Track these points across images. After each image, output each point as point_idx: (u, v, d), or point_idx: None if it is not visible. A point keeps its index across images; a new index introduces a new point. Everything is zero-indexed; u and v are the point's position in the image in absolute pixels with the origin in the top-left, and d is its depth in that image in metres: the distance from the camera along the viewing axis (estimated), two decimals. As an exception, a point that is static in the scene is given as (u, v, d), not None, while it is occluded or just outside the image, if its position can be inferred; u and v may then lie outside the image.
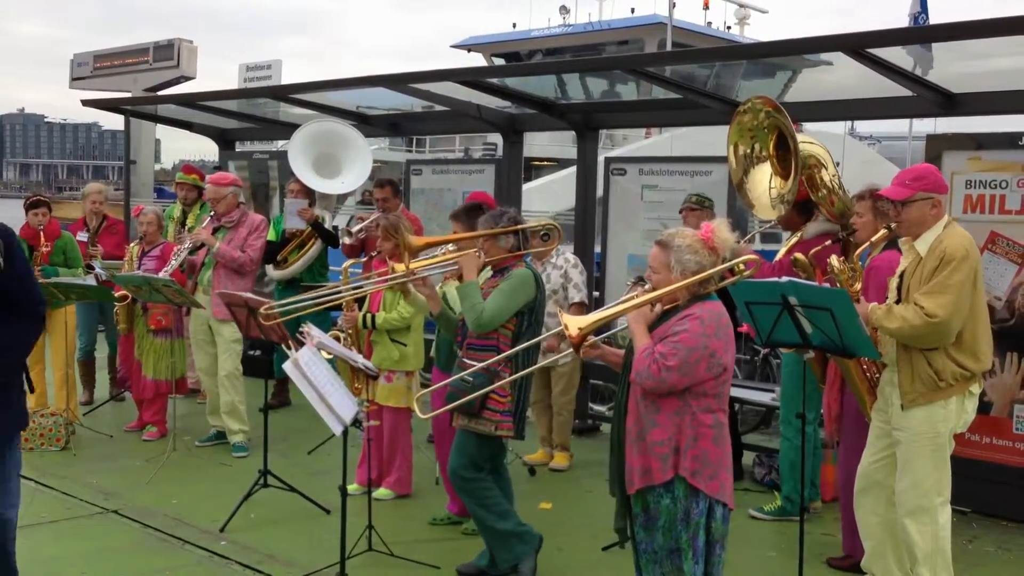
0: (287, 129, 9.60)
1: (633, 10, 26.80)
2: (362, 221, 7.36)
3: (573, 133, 8.34)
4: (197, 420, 7.64)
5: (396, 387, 5.89)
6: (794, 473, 5.57)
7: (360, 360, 5.11)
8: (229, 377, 7.11)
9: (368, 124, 9.52)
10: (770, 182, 5.29)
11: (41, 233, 7.45)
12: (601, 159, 8.23)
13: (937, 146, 5.93)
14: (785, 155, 5.14)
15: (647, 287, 3.71)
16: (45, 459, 6.79)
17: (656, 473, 3.51)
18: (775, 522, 5.74)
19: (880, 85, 6.09)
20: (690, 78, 7.58)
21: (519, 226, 4.85)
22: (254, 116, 10.41)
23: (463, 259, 4.74)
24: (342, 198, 13.69)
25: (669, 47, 22.74)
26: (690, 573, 3.50)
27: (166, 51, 17.94)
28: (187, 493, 6.16)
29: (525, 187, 10.78)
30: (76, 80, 19.45)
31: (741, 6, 28.51)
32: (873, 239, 4.56)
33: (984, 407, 5.38)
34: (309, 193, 7.92)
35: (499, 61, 26.11)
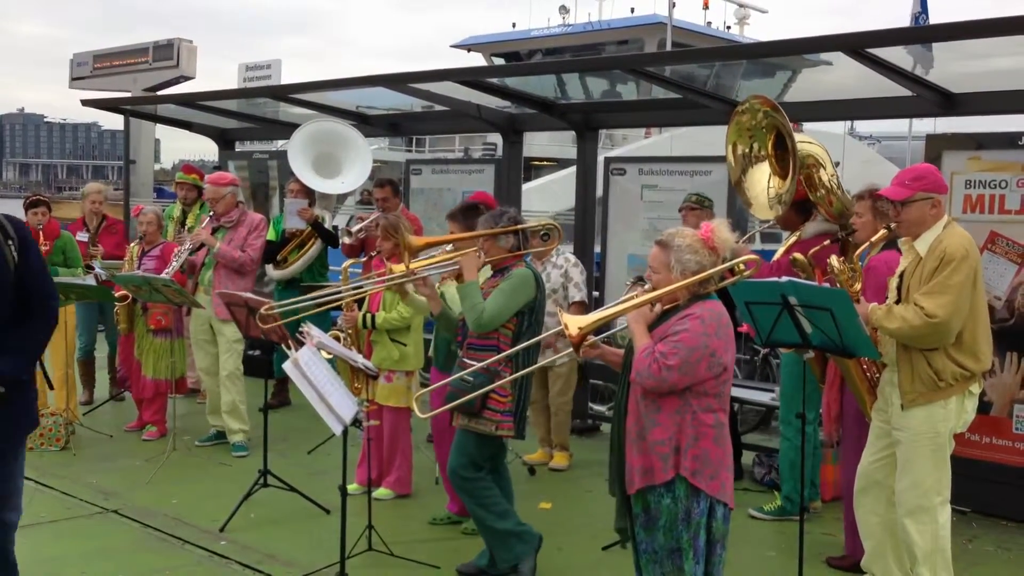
0: (287, 129, 9.60)
1: (633, 10, 26.81)
2: (362, 221, 7.36)
3: (573, 133, 8.34)
4: (197, 420, 7.64)
5: (396, 387, 5.89)
6: (794, 473, 5.57)
7: (360, 360, 5.12)
8: (230, 377, 7.11)
9: (368, 124, 9.52)
10: (768, 182, 5.29)
11: (40, 233, 7.45)
12: (601, 159, 8.24)
13: (937, 146, 5.93)
14: (783, 155, 5.15)
15: (647, 287, 3.71)
16: (45, 459, 6.79)
17: (657, 473, 3.51)
18: (775, 522, 5.74)
19: (880, 85, 6.09)
20: (690, 78, 7.58)
21: (519, 226, 4.85)
22: (254, 116, 10.41)
23: (463, 259, 4.74)
24: (342, 198, 13.68)
25: (669, 47, 22.73)
26: (691, 573, 3.50)
27: (166, 51, 17.92)
28: (187, 493, 6.16)
29: (525, 187, 10.78)
30: (76, 80, 19.44)
31: (741, 6, 28.51)
32: (873, 239, 4.56)
33: (984, 407, 5.38)
34: (309, 193, 7.92)
35: (499, 61, 26.11)
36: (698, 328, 3.46)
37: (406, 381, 5.93)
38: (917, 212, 4.25)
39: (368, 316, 5.82)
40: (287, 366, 4.69)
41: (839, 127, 22.76)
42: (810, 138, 5.41)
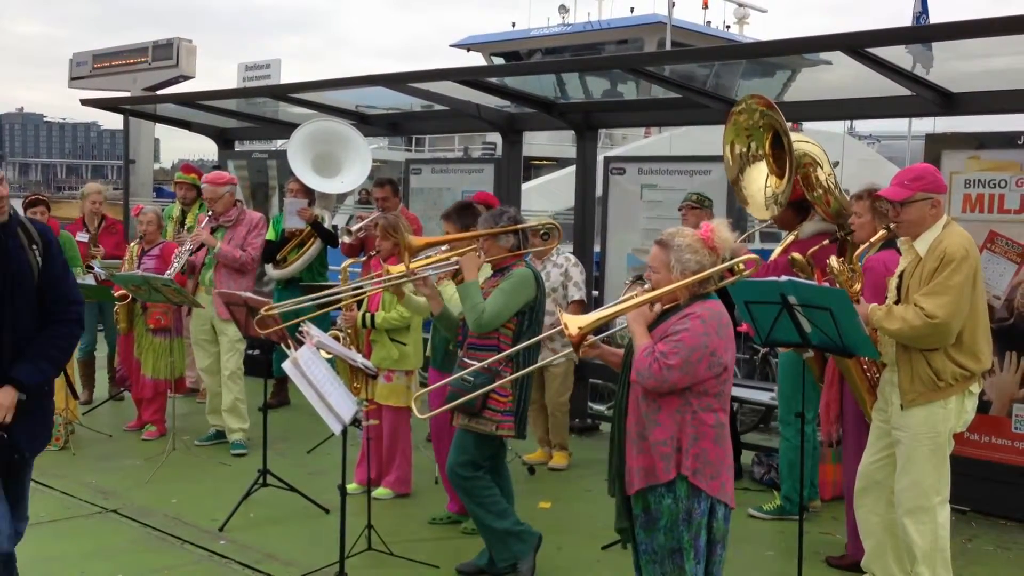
0: (286, 128, 9.60)
1: (632, 9, 26.85)
2: (362, 220, 7.36)
3: (572, 132, 8.34)
4: (196, 419, 7.64)
5: (395, 386, 5.89)
6: (793, 473, 5.57)
7: (359, 359, 5.12)
8: (232, 376, 7.12)
9: (367, 123, 9.52)
10: (765, 181, 5.29)
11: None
12: (600, 158, 8.23)
13: (936, 145, 5.93)
14: (780, 154, 5.14)
15: (646, 286, 3.70)
16: (44, 459, 6.69)
17: (660, 473, 3.51)
18: (774, 521, 5.74)
19: (879, 84, 6.09)
20: (689, 77, 7.57)
21: (519, 225, 4.85)
22: (253, 115, 10.41)
23: (463, 259, 4.74)
24: (341, 197, 13.69)
25: (668, 46, 22.75)
26: (691, 573, 3.50)
27: (165, 50, 17.92)
28: (186, 492, 6.16)
29: (524, 186, 10.77)
30: (75, 79, 19.43)
31: (740, 5, 28.55)
32: (872, 239, 4.56)
33: (983, 406, 5.38)
34: (308, 192, 7.92)
35: (498, 60, 26.13)
36: (698, 328, 3.46)
37: (406, 380, 5.93)
38: (916, 212, 4.25)
39: (367, 316, 5.82)
40: (286, 365, 4.69)
41: (839, 127, 22.79)
42: (807, 137, 5.41)
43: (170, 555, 5.17)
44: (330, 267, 8.34)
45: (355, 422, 4.54)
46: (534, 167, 23.37)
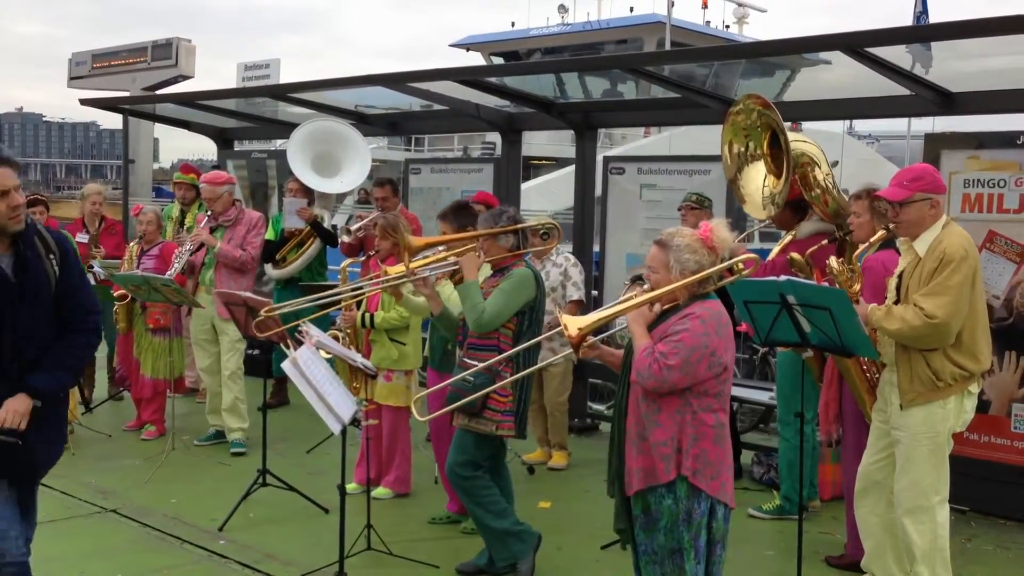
0: (286, 128, 9.60)
1: (632, 9, 26.87)
2: (361, 220, 7.36)
3: (572, 132, 8.34)
4: (196, 419, 7.64)
5: (395, 386, 5.89)
6: (792, 472, 5.57)
7: (359, 359, 5.12)
8: (232, 376, 7.13)
9: (367, 123, 9.52)
10: (763, 181, 5.29)
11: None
12: (600, 158, 8.23)
13: (936, 145, 5.93)
14: (778, 154, 5.14)
15: (645, 287, 3.70)
16: (44, 458, 6.78)
17: (660, 473, 3.51)
18: (774, 521, 5.74)
19: (878, 84, 6.09)
20: (689, 77, 7.58)
21: (519, 225, 4.85)
22: (253, 115, 10.41)
23: (463, 259, 4.74)
24: (340, 197, 13.69)
25: (668, 46, 22.76)
26: (692, 573, 3.50)
27: (164, 50, 17.92)
28: (186, 492, 6.16)
29: (524, 186, 10.78)
30: (74, 79, 19.42)
31: (740, 5, 28.56)
32: (871, 239, 4.56)
33: (983, 406, 5.38)
34: (308, 192, 7.92)
35: (498, 60, 26.14)
36: (698, 328, 3.46)
37: (405, 380, 5.93)
38: (916, 212, 4.25)
39: (367, 315, 5.82)
40: (286, 365, 4.69)
41: (838, 126, 22.79)
42: (805, 137, 5.42)
43: (170, 555, 5.17)
44: (329, 267, 8.33)
45: (354, 422, 4.55)
46: (533, 167, 23.38)
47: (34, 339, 3.47)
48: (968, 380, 4.25)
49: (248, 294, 6.19)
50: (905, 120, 24.18)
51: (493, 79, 8.07)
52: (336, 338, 5.62)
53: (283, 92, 9.33)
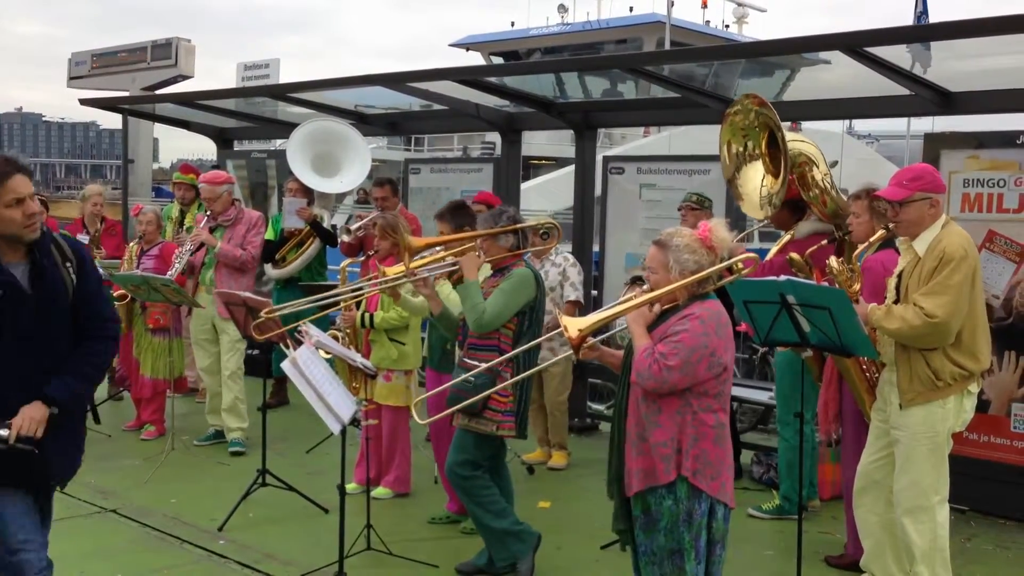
0: (285, 128, 9.59)
1: (631, 9, 26.88)
2: (361, 220, 7.36)
3: (571, 132, 8.34)
4: (196, 419, 7.64)
5: (395, 386, 5.89)
6: (792, 472, 5.57)
7: (359, 359, 5.11)
8: (232, 376, 7.13)
9: (366, 123, 9.52)
10: (762, 180, 5.29)
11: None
12: (599, 158, 8.23)
13: (935, 145, 5.93)
14: (776, 153, 5.14)
15: (645, 287, 3.70)
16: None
17: (660, 474, 3.50)
18: (773, 521, 5.74)
19: (878, 84, 6.10)
20: (688, 77, 7.58)
21: (519, 225, 4.85)
22: (252, 115, 10.41)
23: (463, 259, 4.73)
24: (340, 197, 13.68)
25: (667, 46, 22.77)
26: (692, 573, 3.49)
27: (164, 50, 17.91)
28: (185, 492, 6.16)
29: (523, 186, 10.78)
30: (74, 79, 19.42)
31: (739, 4, 28.57)
32: (871, 239, 4.56)
33: (982, 406, 5.38)
34: (308, 192, 7.92)
35: (497, 60, 26.14)
36: (698, 328, 3.46)
37: (405, 380, 5.93)
38: (915, 212, 4.25)
39: (366, 315, 5.82)
40: (285, 365, 4.69)
41: (837, 126, 22.80)
42: (803, 137, 5.42)
43: (169, 555, 5.17)
44: (329, 267, 8.34)
45: (354, 422, 4.55)
46: (533, 167, 23.39)
47: (52, 349, 3.42)
48: (968, 380, 4.25)
49: (248, 294, 6.19)
50: (905, 120, 24.20)
51: (493, 79, 8.07)
52: (336, 338, 5.62)
53: (283, 92, 9.33)
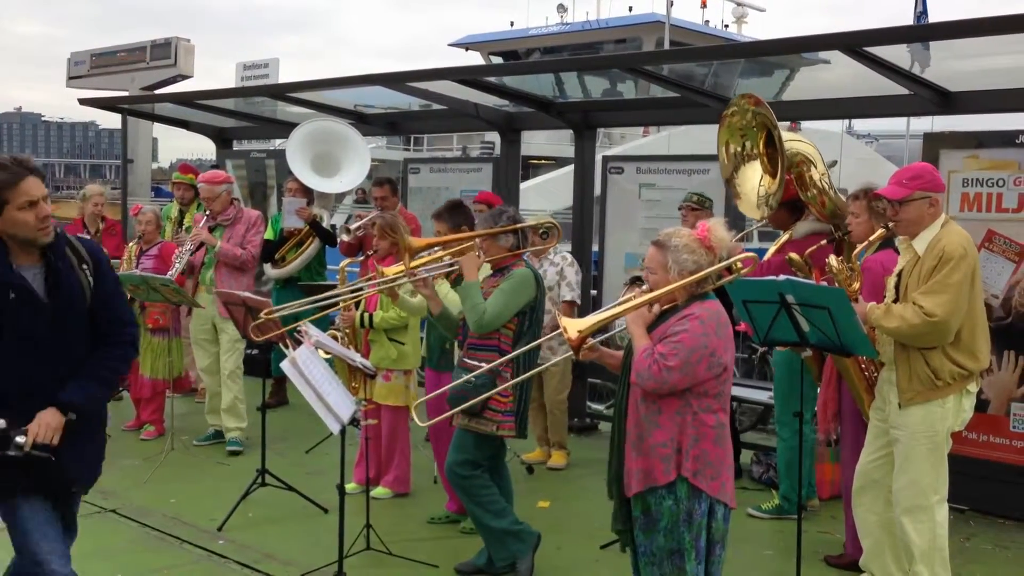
0: (285, 128, 9.59)
1: (631, 8, 26.89)
2: (360, 219, 7.36)
3: (571, 132, 8.34)
4: (195, 419, 7.64)
5: (394, 386, 5.89)
6: (791, 472, 5.57)
7: (358, 359, 5.11)
8: (232, 375, 7.13)
9: (366, 123, 9.52)
10: (760, 180, 5.29)
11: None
12: (599, 158, 8.23)
13: (934, 144, 5.93)
14: (774, 153, 5.14)
15: (644, 287, 3.70)
16: (43, 458, 6.78)
17: (659, 475, 3.50)
18: (773, 521, 5.74)
19: (877, 83, 6.10)
20: (688, 77, 7.58)
21: (518, 225, 4.85)
22: (252, 115, 10.40)
23: (463, 259, 4.73)
24: (339, 197, 13.68)
25: (667, 45, 22.77)
26: (692, 574, 3.49)
27: (163, 50, 17.90)
28: (185, 492, 6.16)
29: (523, 186, 10.78)
30: (73, 79, 19.41)
31: (739, 4, 28.58)
32: (871, 238, 4.56)
33: (981, 405, 5.38)
34: (307, 192, 7.91)
35: (497, 59, 26.14)
36: (697, 328, 3.46)
37: (404, 380, 5.93)
38: (915, 211, 4.25)
39: (365, 315, 5.82)
40: (285, 365, 4.69)
41: (837, 126, 22.80)
42: (800, 137, 5.41)
43: (169, 555, 5.17)
44: (328, 266, 8.33)
45: (354, 422, 4.55)
46: (532, 166, 23.38)
47: (69, 354, 3.36)
48: (967, 379, 4.25)
49: (247, 294, 6.19)
50: (904, 119, 24.20)
51: (492, 79, 8.07)
52: (335, 338, 5.62)
53: (282, 92, 9.33)
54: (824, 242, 5.06)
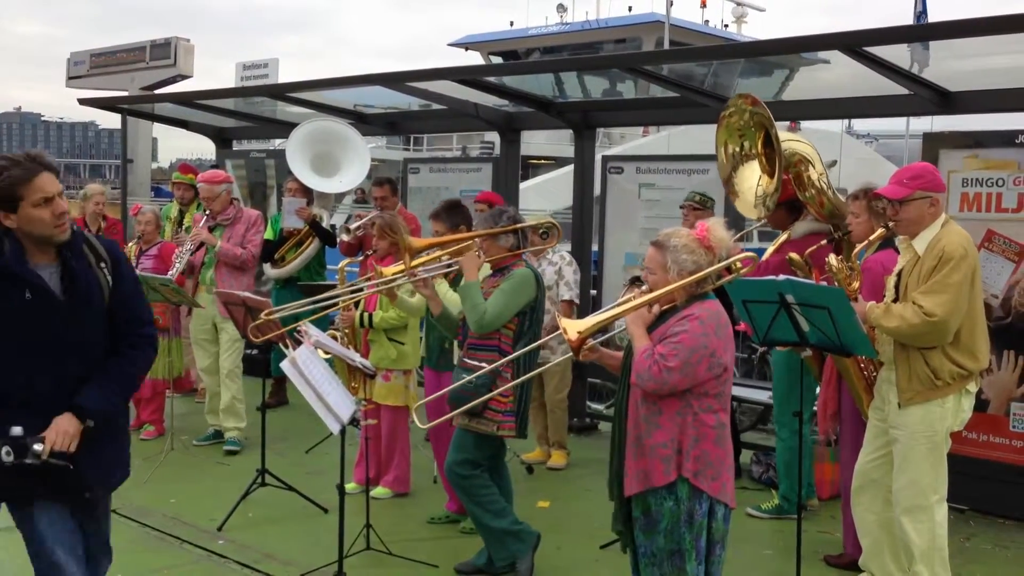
0: (284, 128, 9.59)
1: (631, 8, 26.90)
2: (360, 219, 7.36)
3: (570, 132, 8.34)
4: (195, 419, 7.64)
5: (394, 386, 5.89)
6: (790, 472, 5.57)
7: (358, 359, 5.11)
8: (230, 375, 7.13)
9: (366, 123, 9.51)
10: (758, 180, 5.28)
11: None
12: (598, 157, 8.23)
13: (934, 144, 5.94)
14: (772, 153, 5.14)
15: (644, 288, 3.70)
16: (43, 458, 6.77)
17: (659, 475, 3.50)
18: (772, 520, 5.75)
19: (877, 83, 6.10)
20: (687, 76, 7.58)
21: (519, 225, 4.85)
22: (251, 115, 10.40)
23: (463, 259, 4.73)
24: (339, 197, 13.68)
25: (667, 45, 22.79)
26: (692, 574, 3.49)
27: (163, 50, 17.90)
28: (185, 492, 6.16)
29: (523, 185, 10.78)
30: (73, 79, 19.40)
31: (739, 4, 28.58)
32: (871, 238, 4.56)
33: (981, 405, 5.38)
34: (307, 192, 7.91)
35: (497, 59, 26.16)
36: (697, 329, 3.45)
37: (404, 380, 5.93)
38: (915, 211, 4.25)
39: (365, 315, 5.82)
40: (285, 365, 4.69)
41: (836, 125, 22.81)
42: (798, 136, 5.41)
43: (169, 555, 5.17)
44: (328, 266, 8.33)
45: (353, 422, 4.54)
46: (532, 166, 23.40)
47: (87, 355, 3.27)
48: (966, 379, 4.25)
49: (247, 294, 6.19)
50: (904, 119, 24.20)
51: (492, 79, 8.06)
52: (335, 338, 5.62)
53: (281, 92, 9.32)
54: (824, 242, 5.06)
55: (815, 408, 5.55)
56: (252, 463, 6.12)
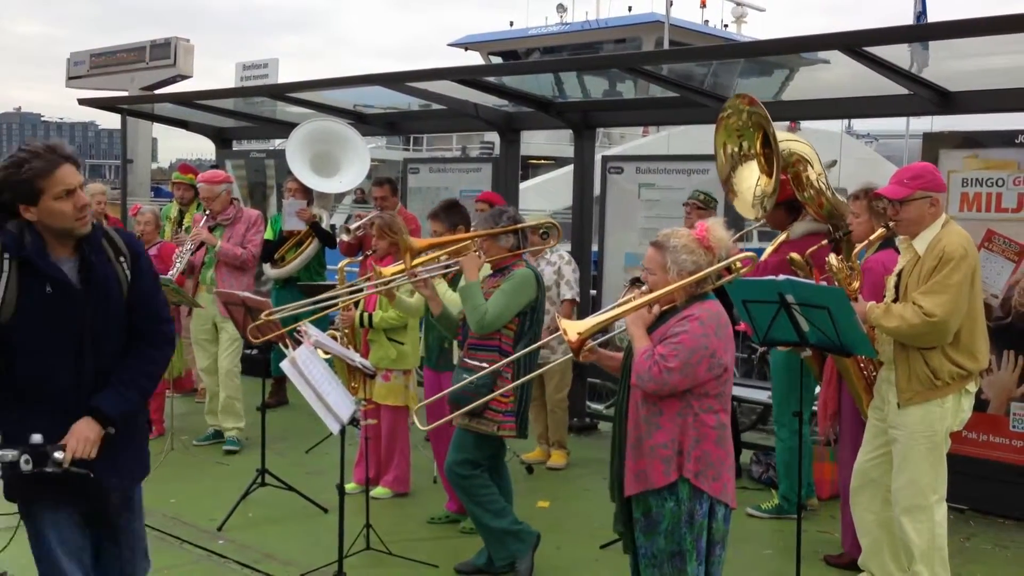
0: (284, 128, 9.59)
1: (630, 8, 26.89)
2: (360, 219, 7.36)
3: (570, 132, 8.34)
4: (195, 419, 7.64)
5: (394, 386, 5.89)
6: (790, 472, 5.57)
7: (358, 359, 5.11)
8: (228, 374, 7.12)
9: (365, 123, 9.51)
10: (756, 181, 5.28)
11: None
12: (598, 157, 8.23)
13: (934, 144, 5.94)
14: (770, 153, 5.13)
15: (644, 288, 3.70)
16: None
17: (658, 476, 3.49)
18: (772, 520, 5.75)
19: (877, 83, 6.10)
20: (687, 76, 7.58)
21: (519, 225, 4.85)
22: (251, 115, 10.40)
23: (464, 259, 4.73)
24: (339, 197, 13.68)
25: (666, 45, 22.79)
26: (693, 575, 3.49)
27: (163, 50, 17.90)
28: (185, 492, 6.16)
29: (522, 186, 10.79)
30: (73, 79, 19.40)
31: (738, 4, 28.58)
32: (871, 238, 4.56)
33: (981, 405, 5.38)
34: (307, 192, 7.92)
35: (496, 59, 26.15)
36: (697, 329, 3.45)
37: (404, 380, 5.93)
38: (916, 211, 4.25)
39: (365, 315, 5.82)
40: (284, 365, 4.69)
41: (836, 125, 22.82)
42: (797, 137, 5.40)
43: (169, 555, 5.16)
44: (328, 266, 8.33)
45: (353, 421, 4.54)
46: (532, 166, 23.40)
47: (105, 351, 3.21)
48: (966, 379, 4.25)
49: (247, 294, 6.19)
50: (903, 119, 24.21)
51: (492, 79, 8.07)
52: (334, 338, 5.62)
53: (281, 92, 9.32)
54: (825, 242, 5.06)
55: (815, 408, 5.55)
56: (252, 463, 6.12)
